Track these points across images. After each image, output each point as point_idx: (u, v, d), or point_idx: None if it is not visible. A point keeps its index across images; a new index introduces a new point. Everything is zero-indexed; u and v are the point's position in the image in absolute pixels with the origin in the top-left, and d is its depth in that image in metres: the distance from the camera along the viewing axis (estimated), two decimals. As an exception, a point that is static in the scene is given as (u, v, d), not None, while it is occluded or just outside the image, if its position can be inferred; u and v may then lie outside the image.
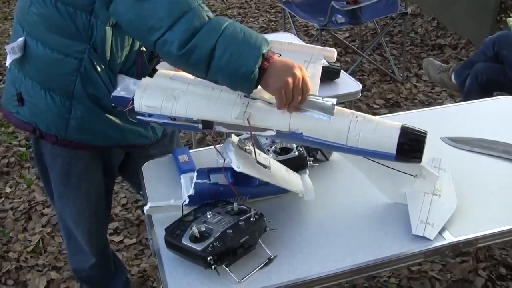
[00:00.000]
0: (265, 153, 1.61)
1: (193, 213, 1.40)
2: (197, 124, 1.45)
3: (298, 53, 1.70)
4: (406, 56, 4.77)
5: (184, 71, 1.50)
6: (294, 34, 3.94)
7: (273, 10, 6.34)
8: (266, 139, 1.67)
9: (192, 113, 1.43)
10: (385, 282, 2.52)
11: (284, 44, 1.72)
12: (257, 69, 1.35)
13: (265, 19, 6.10)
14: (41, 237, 3.06)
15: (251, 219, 1.34)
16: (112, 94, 1.58)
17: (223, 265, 1.28)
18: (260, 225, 1.36)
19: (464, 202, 1.48)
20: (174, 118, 1.45)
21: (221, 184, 1.48)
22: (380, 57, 4.98)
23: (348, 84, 2.39)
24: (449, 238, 1.39)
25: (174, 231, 1.34)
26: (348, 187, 1.61)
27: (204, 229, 1.32)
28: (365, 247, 1.38)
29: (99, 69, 1.63)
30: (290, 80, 1.35)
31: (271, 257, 1.34)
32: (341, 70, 2.42)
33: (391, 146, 1.33)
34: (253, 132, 1.41)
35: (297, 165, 1.61)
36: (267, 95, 1.43)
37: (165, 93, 1.45)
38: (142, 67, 1.74)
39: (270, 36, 3.68)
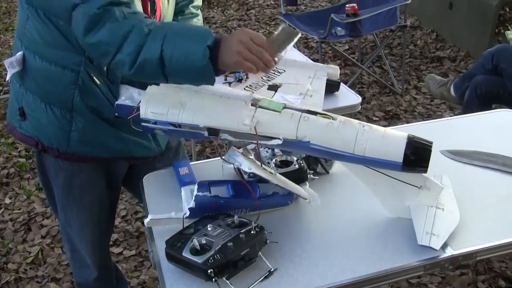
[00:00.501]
0: (265, 165, 1.62)
1: (194, 226, 1.40)
2: (203, 132, 1.46)
3: (302, 69, 1.72)
4: (405, 69, 4.79)
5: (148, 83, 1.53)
6: (294, 46, 3.96)
7: (273, 22, 6.37)
8: (267, 151, 1.68)
9: (199, 120, 1.44)
10: (385, 295, 2.52)
11: (288, 61, 1.74)
12: (209, 61, 1.36)
13: (265, 31, 6.12)
14: (41, 248, 3.06)
15: (252, 232, 1.35)
16: (116, 102, 1.59)
17: (224, 278, 1.28)
18: (261, 238, 1.36)
19: (463, 215, 1.49)
20: (179, 125, 1.46)
21: (221, 196, 1.49)
22: (380, 69, 5.00)
23: (348, 96, 2.39)
24: (448, 251, 1.39)
25: (175, 244, 1.35)
26: (348, 200, 1.61)
27: (204, 242, 1.32)
28: (365, 260, 1.38)
29: (97, 81, 1.63)
30: (240, 47, 1.37)
31: (272, 270, 1.34)
32: (341, 83, 2.43)
33: (397, 155, 1.34)
34: (259, 142, 1.42)
35: (297, 178, 1.61)
36: (273, 103, 1.44)
37: (171, 100, 1.47)
38: None
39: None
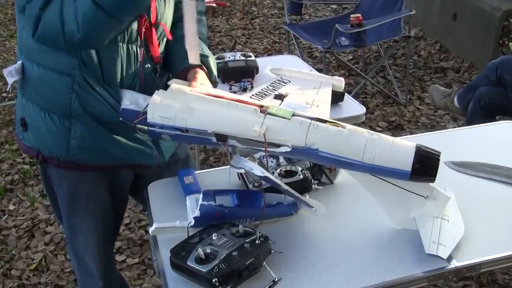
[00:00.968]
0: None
1: (199, 235, 1.41)
2: (210, 137, 1.45)
3: (307, 80, 1.72)
4: (409, 79, 4.80)
5: None
6: (298, 56, 3.97)
7: (277, 32, 6.39)
8: (271, 161, 1.68)
9: (207, 126, 1.44)
10: (388, 305, 2.51)
11: (293, 72, 1.75)
12: None
13: (269, 41, 6.14)
14: (44, 255, 3.07)
15: (256, 242, 1.35)
16: (122, 107, 1.59)
17: (228, 287, 1.29)
18: (265, 248, 1.36)
19: (467, 227, 1.49)
20: (187, 131, 1.45)
21: (226, 206, 1.49)
22: (383, 79, 5.01)
23: (352, 107, 2.40)
24: (452, 262, 1.39)
25: (180, 253, 1.35)
26: (352, 210, 1.61)
27: (209, 251, 1.33)
28: (369, 271, 1.38)
29: (93, 84, 1.64)
30: None
31: (276, 280, 1.35)
32: (345, 93, 2.44)
33: (406, 164, 1.35)
34: (268, 149, 1.42)
35: (302, 188, 1.62)
36: (283, 110, 1.45)
37: (179, 105, 1.46)
38: (145, 80, 1.73)
39: (274, 59, 3.72)
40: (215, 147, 1.49)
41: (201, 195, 1.50)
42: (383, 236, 1.50)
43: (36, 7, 1.49)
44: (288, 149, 1.41)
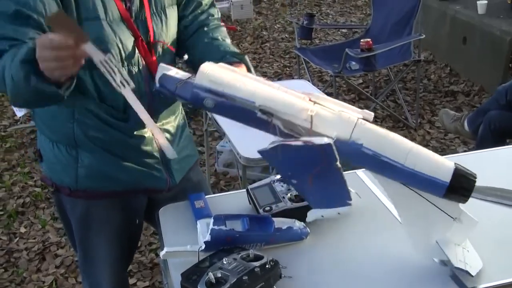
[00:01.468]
0: (280, 200, 1.63)
1: (209, 259, 1.41)
2: (256, 111, 1.39)
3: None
4: (419, 103, 4.81)
5: None
6: (309, 80, 4.00)
7: (287, 56, 6.43)
8: (282, 186, 1.69)
9: (256, 98, 1.39)
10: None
11: (322, 99, 1.72)
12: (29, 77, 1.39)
13: (279, 65, 6.18)
14: (55, 278, 3.08)
15: (267, 266, 1.35)
16: (163, 72, 1.47)
17: (238, 311, 1.29)
18: (275, 272, 1.37)
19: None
20: (233, 99, 1.40)
21: (237, 230, 1.50)
22: (394, 103, 5.02)
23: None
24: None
25: (190, 277, 1.36)
26: (362, 235, 1.61)
27: (220, 275, 1.33)
28: (379, 296, 1.39)
29: (96, 111, 1.66)
30: (41, 53, 1.35)
31: (286, 304, 1.35)
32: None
33: (446, 175, 1.33)
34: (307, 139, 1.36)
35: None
36: (331, 105, 1.42)
37: (232, 75, 1.43)
38: (153, 98, 1.74)
39: (285, 83, 3.74)
40: (259, 126, 1.42)
41: (212, 220, 1.50)
42: (395, 262, 1.50)
43: None
44: (331, 141, 1.35)
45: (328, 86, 4.96)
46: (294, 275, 1.42)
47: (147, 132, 1.76)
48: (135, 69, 1.69)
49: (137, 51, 1.69)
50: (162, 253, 1.50)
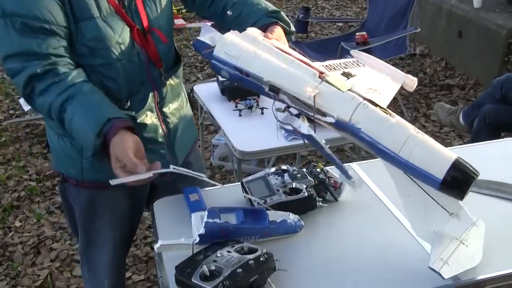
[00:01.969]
0: (274, 193, 1.63)
1: (203, 252, 1.41)
2: (264, 86, 1.46)
3: (380, 70, 1.69)
4: (414, 96, 4.81)
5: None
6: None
7: (283, 49, 6.40)
8: (276, 179, 1.69)
9: (264, 74, 1.45)
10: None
11: (371, 59, 1.72)
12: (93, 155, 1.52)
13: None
14: (50, 272, 3.08)
15: (261, 259, 1.35)
16: (197, 38, 1.62)
17: (233, 304, 1.29)
18: (270, 265, 1.37)
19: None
20: (247, 74, 1.48)
21: (231, 223, 1.50)
22: (389, 96, 5.01)
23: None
24: (457, 279, 1.39)
25: (185, 269, 1.36)
26: (357, 228, 1.62)
27: (214, 268, 1.33)
28: (373, 289, 1.39)
29: None
30: (112, 165, 1.47)
31: (280, 297, 1.35)
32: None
33: (440, 171, 1.30)
34: (314, 115, 1.43)
35: (306, 205, 1.63)
36: (340, 82, 1.44)
37: (247, 47, 1.50)
38: (156, 84, 1.76)
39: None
40: (269, 97, 1.49)
41: (206, 213, 1.50)
42: (388, 255, 1.50)
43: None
44: (333, 120, 1.39)
45: (324, 79, 4.95)
46: (288, 268, 1.42)
47: (150, 119, 1.77)
48: (135, 59, 1.70)
49: (134, 41, 1.68)
50: (156, 246, 1.50)
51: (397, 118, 1.38)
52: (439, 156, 1.33)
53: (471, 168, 1.32)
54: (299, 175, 1.69)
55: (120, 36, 1.65)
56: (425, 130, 4.42)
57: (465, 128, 3.90)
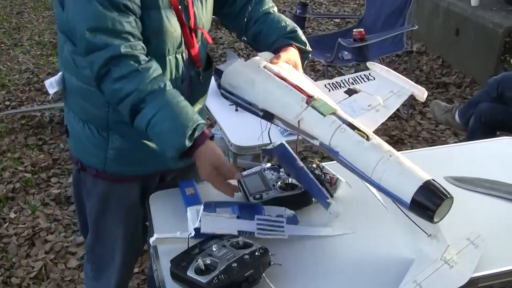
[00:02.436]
0: (270, 188, 1.64)
1: (199, 246, 1.42)
2: (259, 112, 1.59)
3: (390, 82, 1.75)
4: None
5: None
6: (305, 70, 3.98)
7: (280, 44, 6.39)
8: (272, 174, 1.69)
9: (258, 101, 1.59)
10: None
11: (383, 70, 1.78)
12: (176, 157, 1.53)
13: (271, 53, 6.14)
14: (44, 264, 3.07)
15: (256, 253, 1.36)
16: (216, 66, 1.84)
17: (227, 298, 1.29)
18: (265, 260, 1.37)
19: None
20: (249, 103, 1.61)
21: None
22: (385, 93, 5.01)
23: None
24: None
25: (180, 263, 1.36)
26: (353, 224, 1.62)
27: (209, 262, 1.34)
28: (367, 286, 1.39)
29: None
30: (211, 173, 1.55)
31: (275, 292, 1.35)
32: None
33: (407, 194, 1.31)
34: (303, 138, 1.54)
35: (301, 201, 1.64)
36: (326, 106, 1.52)
37: (245, 77, 1.62)
38: (192, 84, 1.76)
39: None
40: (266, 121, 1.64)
41: (202, 207, 1.51)
42: (381, 254, 1.51)
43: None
44: (317, 143, 1.49)
45: (320, 75, 4.95)
46: (283, 263, 1.43)
47: None
48: (180, 57, 1.70)
49: (183, 38, 1.69)
50: (152, 240, 1.50)
51: (371, 141, 1.42)
52: (407, 179, 1.34)
53: (443, 190, 1.31)
54: (295, 171, 1.70)
55: (175, 31, 1.65)
56: (421, 127, 4.43)
57: (460, 126, 3.91)
